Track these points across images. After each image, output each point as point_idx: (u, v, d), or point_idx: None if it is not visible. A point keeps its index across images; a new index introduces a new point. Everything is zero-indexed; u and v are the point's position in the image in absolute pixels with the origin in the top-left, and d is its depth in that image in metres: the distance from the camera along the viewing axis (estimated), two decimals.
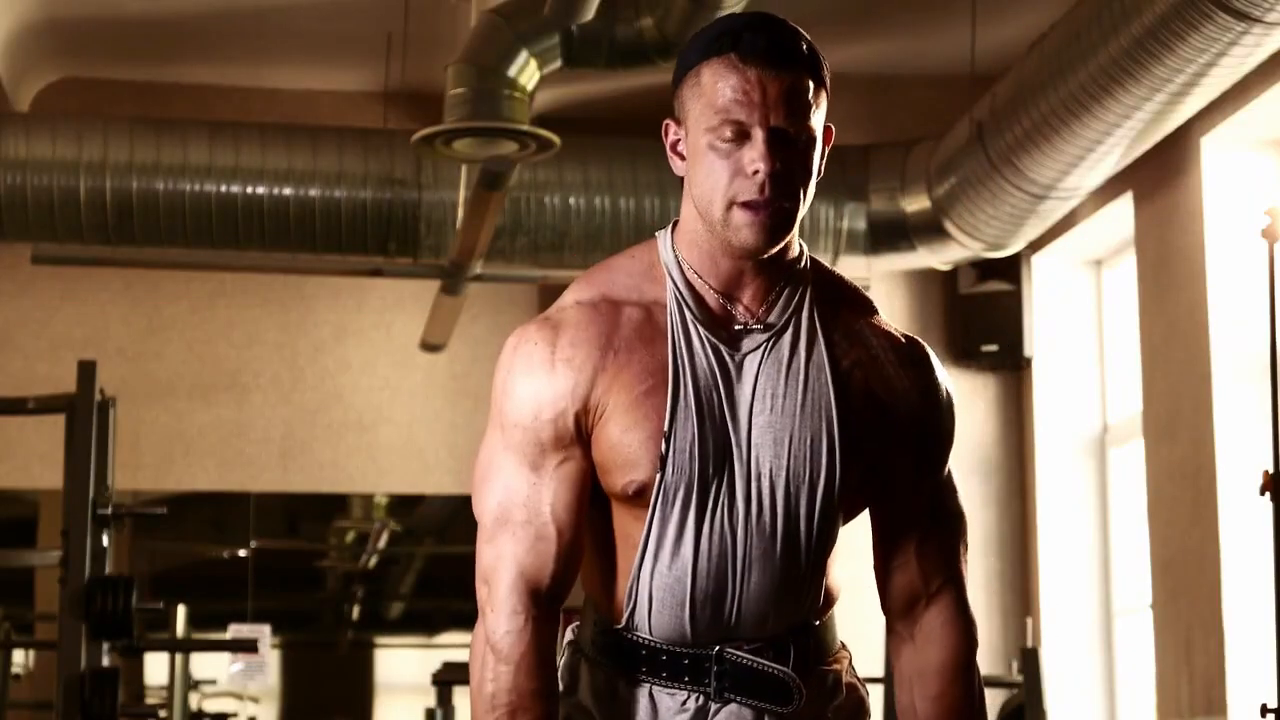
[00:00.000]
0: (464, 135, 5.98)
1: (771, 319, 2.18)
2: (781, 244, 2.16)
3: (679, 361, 2.15)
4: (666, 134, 2.19)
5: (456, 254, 6.92)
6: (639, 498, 2.15)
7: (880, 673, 6.19)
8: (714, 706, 2.17)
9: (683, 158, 2.18)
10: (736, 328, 2.18)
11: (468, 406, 8.34)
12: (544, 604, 2.15)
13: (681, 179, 2.20)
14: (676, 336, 2.16)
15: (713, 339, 2.16)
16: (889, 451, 2.20)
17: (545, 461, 2.16)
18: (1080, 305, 7.80)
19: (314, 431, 8.30)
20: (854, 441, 2.16)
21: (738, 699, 2.16)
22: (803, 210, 2.16)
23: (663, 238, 2.23)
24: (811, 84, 2.13)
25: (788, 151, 2.11)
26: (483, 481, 2.19)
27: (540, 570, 2.15)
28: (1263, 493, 4.43)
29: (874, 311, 2.26)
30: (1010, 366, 7.84)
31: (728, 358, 2.16)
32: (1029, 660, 6.37)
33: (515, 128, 5.93)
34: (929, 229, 7.08)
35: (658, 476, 2.13)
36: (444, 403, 8.32)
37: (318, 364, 8.33)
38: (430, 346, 8.00)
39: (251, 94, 8.14)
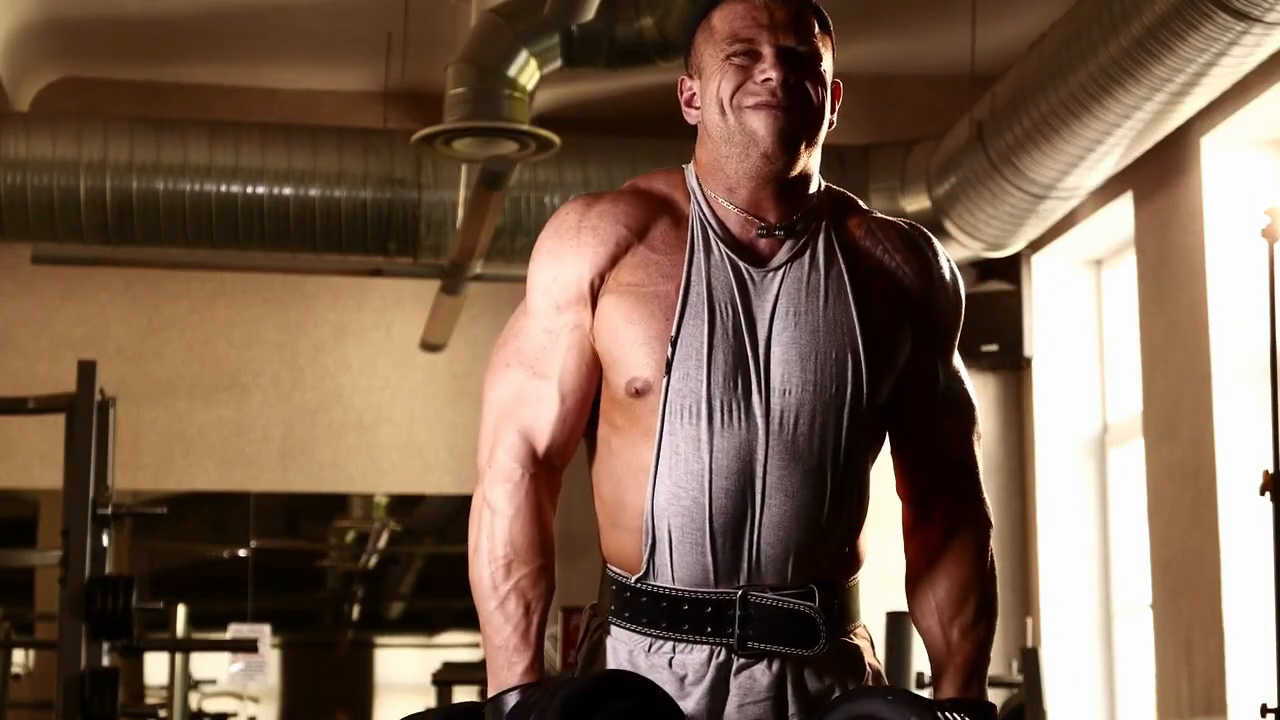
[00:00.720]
0: (464, 135, 5.98)
1: (791, 240, 2.21)
2: (798, 161, 2.20)
3: (694, 270, 2.17)
4: (681, 90, 2.26)
5: (456, 254, 6.92)
6: (641, 400, 2.15)
7: (882, 670, 6.18)
8: (736, 663, 2.15)
9: (697, 108, 2.24)
10: (758, 248, 2.20)
11: (468, 406, 8.34)
12: (541, 463, 2.20)
13: (683, 148, 2.28)
14: (696, 247, 2.19)
15: (733, 255, 2.19)
16: (905, 346, 2.22)
17: (557, 324, 2.20)
18: (1080, 305, 7.80)
19: (314, 431, 8.30)
20: (880, 353, 2.19)
21: (762, 647, 2.14)
22: (818, 137, 2.21)
23: (687, 168, 2.27)
24: (817, 24, 2.22)
25: (798, 69, 2.18)
26: (500, 345, 2.25)
27: (541, 430, 2.20)
28: (1263, 493, 4.43)
29: (870, 210, 2.32)
30: (1010, 366, 7.83)
31: (748, 275, 2.19)
32: (1029, 660, 6.37)
33: (515, 128, 5.93)
34: (929, 229, 7.05)
35: (664, 382, 2.14)
36: (444, 403, 8.32)
37: (318, 364, 8.33)
38: (430, 346, 8.00)
39: (251, 94, 8.14)
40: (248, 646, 6.95)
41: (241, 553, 8.51)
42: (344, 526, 8.98)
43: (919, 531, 2.28)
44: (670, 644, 2.16)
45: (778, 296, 2.18)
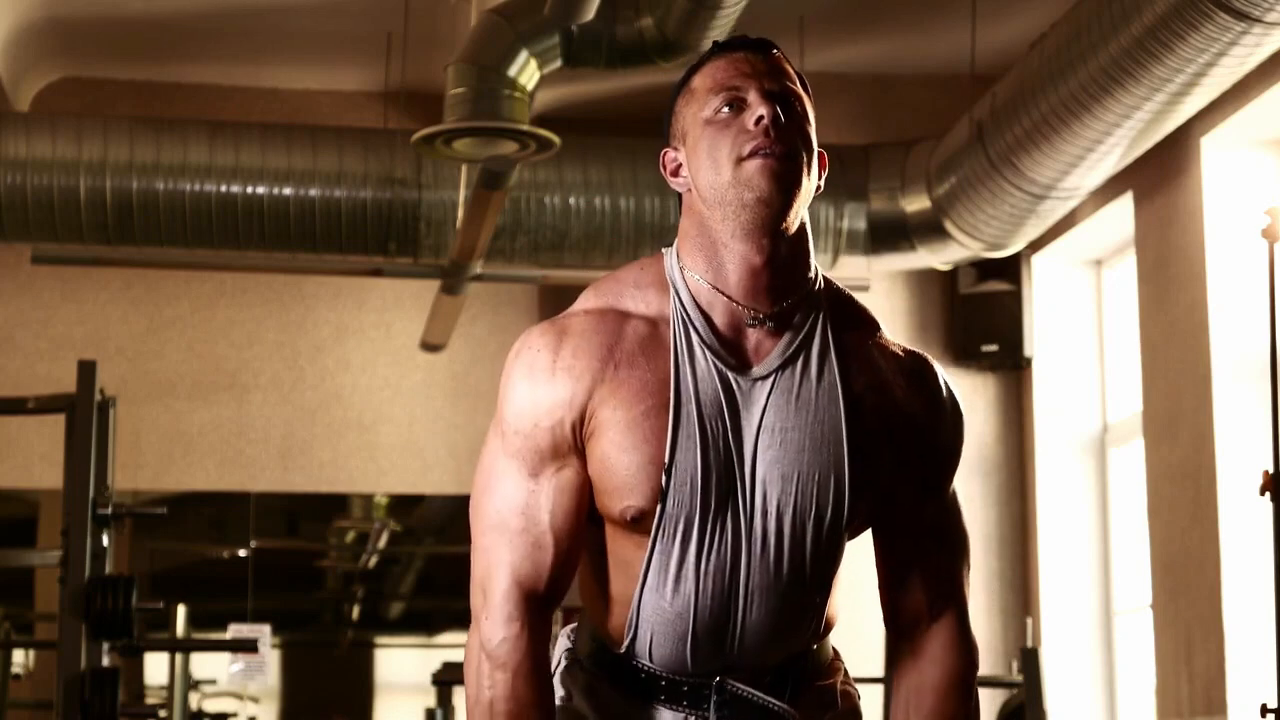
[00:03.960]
0: (464, 135, 5.98)
1: (786, 339, 2.15)
2: (794, 205, 2.12)
3: (682, 384, 2.12)
4: (665, 163, 2.20)
5: (456, 254, 6.92)
6: (637, 525, 2.13)
7: (879, 673, 6.19)
8: None
9: (684, 177, 2.18)
10: (746, 346, 2.15)
11: (468, 406, 8.34)
12: (539, 611, 2.14)
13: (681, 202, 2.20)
14: (681, 357, 2.13)
15: (719, 364, 2.13)
16: (897, 475, 2.18)
17: (543, 469, 2.14)
18: (1080, 305, 7.80)
19: (314, 431, 8.30)
20: (864, 473, 2.14)
21: None
22: (808, 189, 2.14)
23: (668, 254, 2.20)
24: (797, 77, 2.18)
25: (787, 109, 2.13)
26: (482, 489, 2.18)
27: (537, 578, 2.14)
28: (1263, 493, 4.43)
29: (879, 329, 2.23)
30: (1010, 366, 7.83)
31: (734, 384, 2.13)
32: (1029, 660, 6.37)
33: (515, 128, 5.93)
34: (929, 229, 7.08)
35: (658, 508, 2.11)
36: (444, 403, 8.32)
37: (318, 364, 8.33)
38: (430, 346, 8.00)
39: (251, 94, 8.15)
40: (248, 646, 6.94)
41: (241, 553, 8.51)
42: (344, 526, 8.98)
43: (905, 667, 2.25)
44: (648, 705, 2.19)
45: (765, 409, 2.13)
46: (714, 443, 2.11)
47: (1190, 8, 5.02)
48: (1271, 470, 4.43)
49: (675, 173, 2.19)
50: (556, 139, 5.98)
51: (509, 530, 2.15)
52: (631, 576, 2.15)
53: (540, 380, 2.14)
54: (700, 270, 2.16)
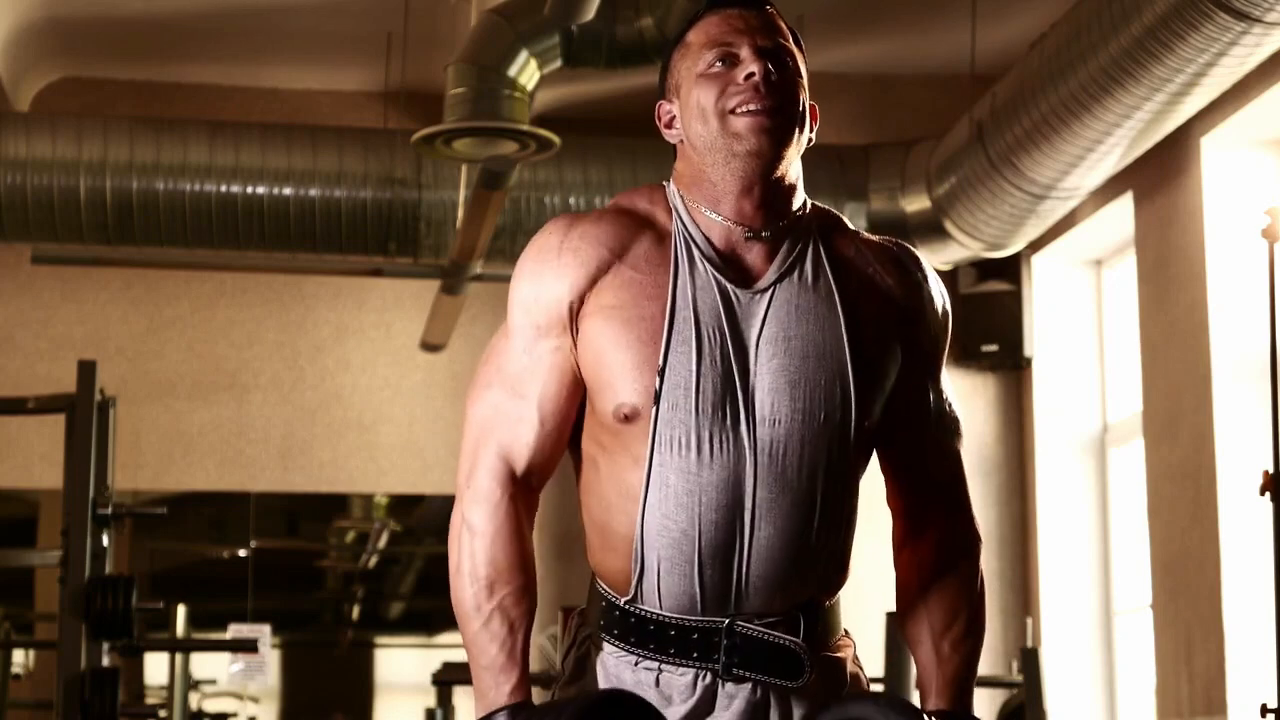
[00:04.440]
0: (464, 135, 5.98)
1: (780, 257, 2.19)
2: (783, 160, 2.18)
3: (679, 293, 2.15)
4: (660, 115, 2.25)
5: (456, 254, 6.92)
6: (629, 425, 2.13)
7: (880, 672, 6.19)
8: (722, 686, 2.15)
9: (677, 129, 2.23)
10: (745, 262, 2.18)
11: None
12: (520, 483, 2.19)
13: (675, 153, 2.25)
14: (680, 266, 2.17)
15: (719, 277, 2.17)
16: (897, 371, 2.22)
17: (538, 346, 2.18)
18: (1080, 305, 7.80)
19: (314, 431, 8.29)
20: (868, 377, 2.18)
21: (747, 674, 2.15)
22: (800, 140, 2.19)
23: (668, 184, 2.26)
24: (791, 36, 2.23)
25: (778, 65, 2.18)
26: (482, 362, 2.24)
27: (518, 453, 2.19)
28: (1263, 493, 4.43)
29: (856, 230, 2.29)
30: (1010, 366, 7.83)
31: (734, 297, 2.16)
32: (1029, 660, 6.37)
33: (515, 128, 5.93)
34: (929, 229, 7.08)
35: (653, 412, 2.12)
36: (444, 403, 8.32)
37: (318, 364, 8.33)
38: (430, 346, 8.00)
39: (251, 94, 8.15)
40: (248, 646, 6.94)
41: (241, 553, 8.51)
42: (344, 526, 8.98)
43: (910, 547, 2.28)
44: (657, 663, 2.17)
45: (765, 319, 2.16)
46: (710, 351, 2.13)
47: (1190, 8, 5.02)
48: (1271, 470, 4.43)
49: (669, 125, 2.25)
50: (556, 139, 5.98)
51: (497, 403, 2.20)
52: (634, 499, 2.15)
53: (547, 259, 2.19)
54: (697, 200, 2.21)
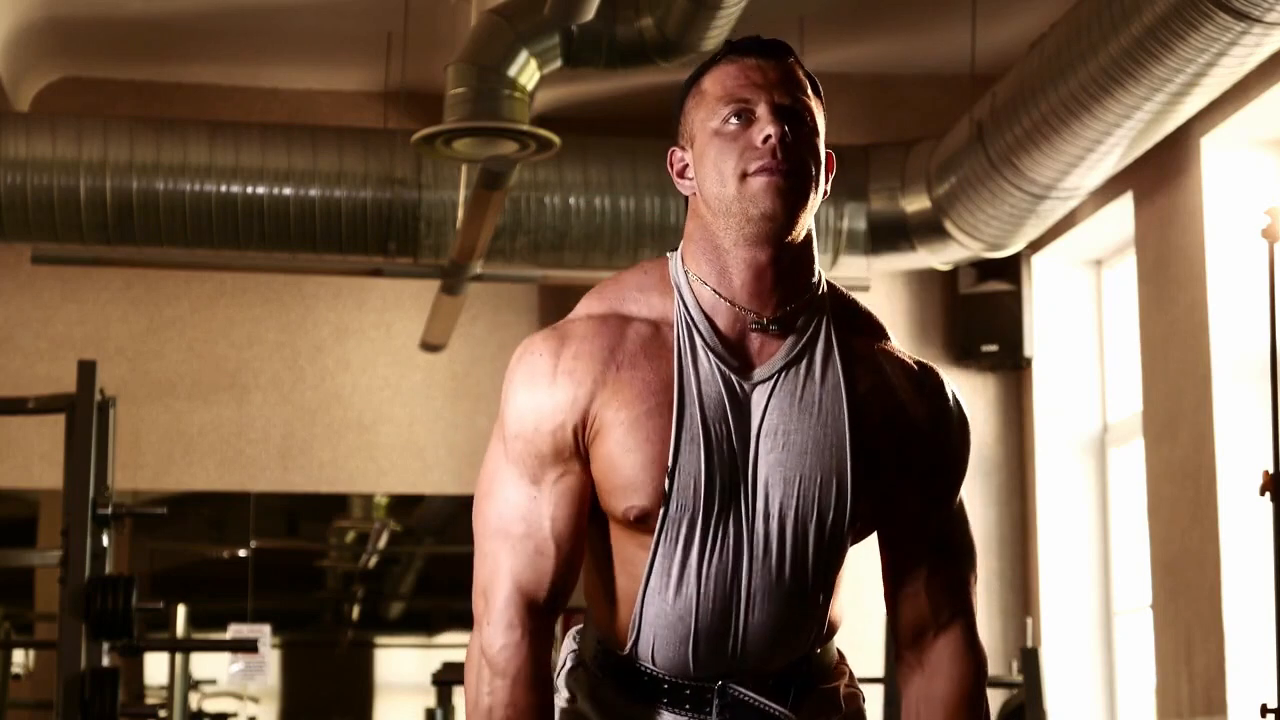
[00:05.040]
0: (464, 135, 5.98)
1: (790, 341, 2.15)
2: (798, 224, 2.12)
3: (685, 385, 2.12)
4: (672, 162, 2.19)
5: (456, 254, 6.92)
6: (641, 524, 2.13)
7: (880, 672, 6.19)
8: None
9: (690, 179, 2.17)
10: (750, 349, 2.14)
11: (468, 406, 8.34)
12: (541, 617, 2.14)
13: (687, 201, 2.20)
14: (684, 358, 2.13)
15: (723, 367, 2.13)
16: (901, 482, 2.17)
17: (545, 475, 2.14)
18: (1080, 305, 7.80)
19: (314, 431, 8.30)
20: (867, 476, 2.14)
21: None
22: (814, 201, 2.14)
23: (673, 258, 2.20)
24: (807, 83, 2.18)
25: (795, 125, 2.12)
26: (485, 494, 2.17)
27: (538, 584, 2.14)
28: (1263, 493, 4.43)
29: (887, 337, 2.23)
30: (1010, 366, 7.83)
31: (737, 387, 2.13)
32: (1029, 660, 6.37)
33: (515, 128, 5.93)
34: (929, 229, 7.08)
35: (661, 510, 2.11)
36: (444, 403, 8.32)
37: (318, 364, 8.33)
38: (430, 346, 8.00)
39: (251, 94, 8.15)
40: (248, 646, 6.94)
41: (241, 553, 8.52)
42: (344, 526, 8.98)
43: (914, 678, 2.24)
44: (651, 708, 2.19)
45: (766, 411, 2.12)
46: (717, 445, 2.11)
47: (1190, 8, 5.02)
48: (1271, 470, 4.42)
49: (681, 174, 2.19)
50: (556, 139, 5.98)
51: (511, 537, 2.14)
52: (635, 577, 2.15)
53: (541, 385, 2.14)
54: (704, 274, 2.16)
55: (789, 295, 2.15)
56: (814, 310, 2.17)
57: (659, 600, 2.14)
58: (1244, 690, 6.13)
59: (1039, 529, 7.73)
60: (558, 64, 6.14)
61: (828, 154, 2.17)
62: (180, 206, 6.77)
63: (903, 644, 2.24)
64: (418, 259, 7.11)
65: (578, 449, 2.13)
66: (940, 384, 2.21)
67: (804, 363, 2.14)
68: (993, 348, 7.74)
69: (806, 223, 2.15)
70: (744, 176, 2.11)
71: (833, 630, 2.24)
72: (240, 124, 7.15)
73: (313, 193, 6.85)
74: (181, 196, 6.77)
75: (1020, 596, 7.82)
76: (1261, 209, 4.59)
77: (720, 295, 2.14)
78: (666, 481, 2.10)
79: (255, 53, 7.87)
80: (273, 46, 7.80)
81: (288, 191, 6.83)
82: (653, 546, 2.13)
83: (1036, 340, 7.74)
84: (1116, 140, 5.91)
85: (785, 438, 2.12)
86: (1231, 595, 6.22)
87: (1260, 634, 5.97)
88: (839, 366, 2.15)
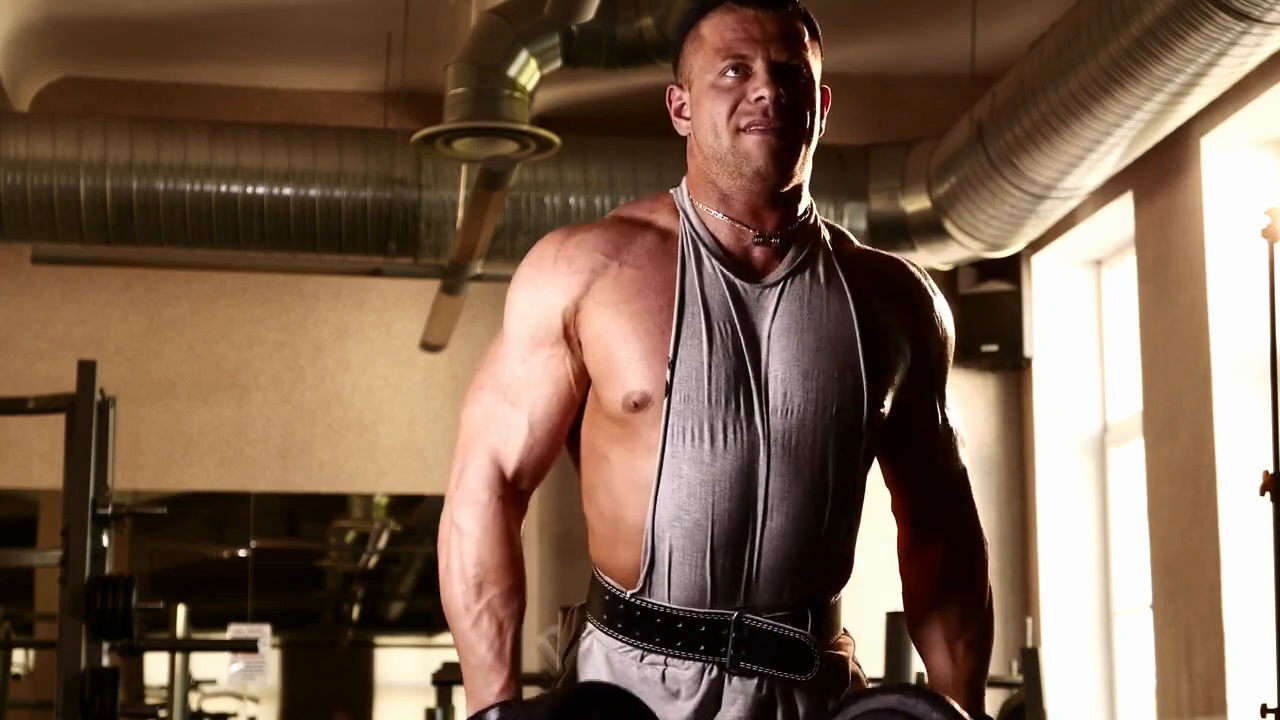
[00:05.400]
0: (464, 135, 5.98)
1: (791, 254, 2.21)
2: (792, 178, 2.20)
3: (687, 286, 2.17)
4: (670, 99, 2.25)
5: (456, 254, 6.92)
6: (640, 414, 2.14)
7: (881, 672, 6.19)
8: (729, 681, 2.16)
9: (687, 119, 2.24)
10: (753, 262, 2.20)
11: None
12: (508, 486, 2.20)
13: (685, 147, 2.26)
14: (687, 262, 2.18)
15: (727, 273, 2.18)
16: (903, 367, 2.23)
17: (533, 355, 2.20)
18: (1080, 305, 7.80)
19: (314, 431, 8.30)
20: (879, 370, 2.19)
21: (755, 668, 2.15)
22: (809, 151, 2.21)
23: (675, 190, 2.27)
24: (807, 32, 2.23)
25: (790, 84, 2.18)
26: (479, 369, 2.26)
27: (508, 457, 2.20)
28: (1263, 493, 4.43)
29: (865, 247, 2.32)
30: (1010, 366, 7.83)
31: (743, 291, 2.18)
32: (1029, 660, 6.37)
33: (515, 128, 5.93)
34: (929, 229, 7.08)
35: (665, 403, 2.13)
36: (444, 403, 8.32)
37: (318, 364, 8.33)
38: (430, 346, 8.00)
39: (251, 94, 8.15)
40: (248, 646, 6.94)
41: (241, 553, 8.51)
42: (344, 526, 8.99)
43: (918, 555, 2.30)
44: (663, 657, 2.17)
45: (776, 312, 2.17)
46: (721, 342, 2.15)
47: (1190, 8, 5.02)
48: (1271, 470, 4.42)
49: (679, 112, 2.25)
50: (556, 139, 5.98)
51: (489, 408, 2.21)
52: (645, 489, 2.15)
53: (541, 268, 2.21)
54: (705, 201, 2.22)
55: (787, 218, 2.22)
56: (810, 231, 2.24)
57: (673, 505, 2.14)
58: (1244, 690, 6.13)
59: (1039, 529, 7.73)
60: (558, 64, 6.14)
61: (824, 90, 2.24)
62: (180, 206, 6.77)
63: (908, 526, 2.31)
64: (418, 259, 7.11)
65: (567, 333, 2.19)
66: (922, 274, 2.31)
67: (807, 271, 2.21)
68: (993, 348, 7.74)
69: (801, 174, 2.22)
70: (737, 132, 2.17)
71: (848, 575, 2.24)
72: (240, 124, 7.15)
73: (313, 193, 6.85)
74: (181, 196, 6.77)
75: (1020, 596, 7.82)
76: (1261, 209, 4.59)
77: (723, 215, 2.21)
78: (668, 371, 2.13)
79: (255, 53, 7.87)
80: (273, 46, 7.80)
81: (288, 191, 6.83)
82: (660, 446, 2.14)
83: (1036, 340, 7.74)
84: (1116, 140, 5.91)
85: (799, 335, 2.17)
86: (1231, 595, 6.22)
87: (1260, 634, 5.97)
88: (840, 272, 2.22)
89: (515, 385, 2.20)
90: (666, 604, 2.16)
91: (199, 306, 8.28)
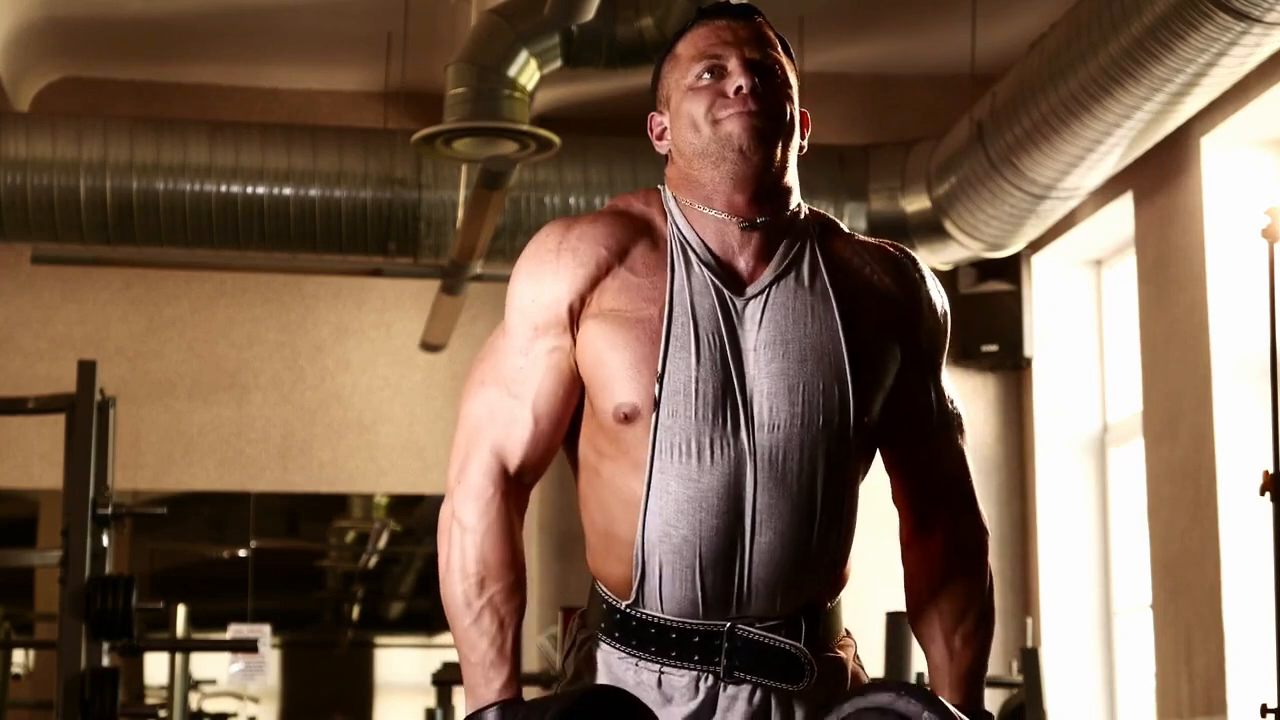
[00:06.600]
0: (464, 135, 5.99)
1: (775, 259, 2.20)
2: (774, 160, 2.18)
3: (676, 296, 2.16)
4: (651, 126, 2.26)
5: (456, 254, 6.92)
6: (629, 426, 2.14)
7: (881, 672, 6.19)
8: (724, 688, 2.15)
9: (667, 140, 2.24)
10: (739, 266, 2.19)
11: None
12: (511, 480, 2.19)
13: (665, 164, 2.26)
14: (677, 269, 2.18)
15: (715, 282, 2.17)
16: (894, 364, 2.22)
17: (535, 346, 2.19)
18: (1080, 305, 7.80)
19: (314, 431, 8.29)
20: (867, 379, 2.18)
21: (748, 677, 2.15)
22: (790, 145, 2.20)
23: (662, 188, 2.26)
24: (778, 41, 2.23)
25: (766, 78, 2.19)
26: (477, 364, 2.24)
27: (511, 450, 2.19)
28: (1263, 493, 4.43)
29: (854, 234, 2.30)
30: (1010, 366, 7.84)
31: (730, 302, 2.17)
32: (1029, 660, 6.37)
33: (515, 128, 5.94)
34: (929, 229, 7.08)
35: (653, 415, 2.12)
36: (444, 403, 8.32)
37: (318, 364, 8.33)
38: (430, 346, 8.00)
39: (251, 94, 8.15)
40: (248, 646, 6.94)
41: (241, 553, 8.51)
42: (344, 526, 8.98)
43: (919, 544, 2.28)
44: (658, 665, 2.17)
45: (761, 323, 2.16)
46: (710, 355, 2.14)
47: (1190, 8, 5.02)
48: (1271, 470, 4.43)
49: (660, 136, 2.26)
50: (556, 139, 5.98)
51: (493, 403, 2.20)
52: (635, 506, 2.15)
53: (544, 259, 2.19)
54: (690, 199, 2.22)
55: (771, 210, 2.21)
56: (797, 228, 2.23)
57: (661, 521, 2.13)
58: (1244, 690, 6.13)
59: (1039, 529, 7.73)
60: (558, 64, 6.14)
61: (802, 113, 2.24)
62: (180, 206, 6.78)
63: (909, 515, 2.29)
64: (418, 259, 7.12)
65: (570, 327, 2.18)
66: (914, 261, 2.30)
67: (792, 275, 2.20)
68: (993, 348, 7.75)
69: (784, 165, 2.20)
70: (716, 122, 2.17)
71: (843, 582, 2.23)
72: (240, 124, 7.15)
73: (313, 193, 6.85)
74: (181, 196, 6.77)
75: (1020, 596, 7.82)
76: (1261, 209, 4.59)
77: (706, 209, 2.20)
78: (656, 385, 2.12)
79: (255, 53, 7.87)
80: (273, 46, 7.80)
81: (288, 191, 6.83)
82: (648, 460, 2.13)
83: (1036, 340, 7.74)
84: (1116, 140, 5.91)
85: (784, 347, 2.16)
86: (1231, 595, 6.22)
87: (1260, 634, 5.97)
88: (825, 276, 2.21)
89: (517, 377, 2.19)
90: (660, 615, 2.16)
91: (199, 306, 8.28)
